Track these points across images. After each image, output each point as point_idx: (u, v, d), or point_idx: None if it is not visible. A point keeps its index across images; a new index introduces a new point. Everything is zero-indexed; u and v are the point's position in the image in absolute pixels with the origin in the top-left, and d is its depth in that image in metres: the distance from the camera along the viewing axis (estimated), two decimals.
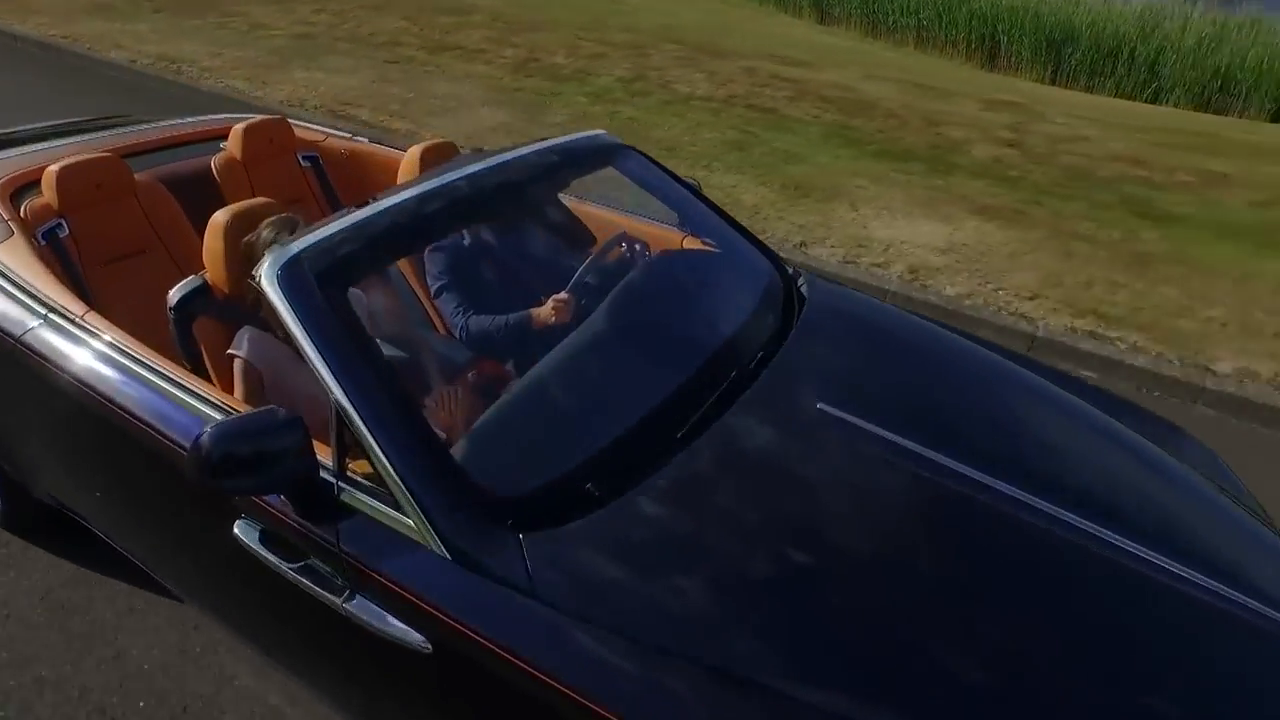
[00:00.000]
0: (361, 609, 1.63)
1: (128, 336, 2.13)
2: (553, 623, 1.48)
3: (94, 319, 2.18)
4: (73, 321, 2.17)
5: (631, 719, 1.39)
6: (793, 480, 1.85)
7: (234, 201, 2.99)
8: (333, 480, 1.68)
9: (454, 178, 2.16)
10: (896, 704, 1.44)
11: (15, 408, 2.46)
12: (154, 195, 2.85)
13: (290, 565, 1.74)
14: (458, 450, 1.73)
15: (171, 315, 2.20)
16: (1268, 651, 1.72)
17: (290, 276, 1.73)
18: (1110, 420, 2.39)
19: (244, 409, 1.88)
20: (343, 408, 1.61)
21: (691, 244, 2.86)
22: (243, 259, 2.17)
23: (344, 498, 1.68)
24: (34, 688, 2.44)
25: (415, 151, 2.93)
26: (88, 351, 2.11)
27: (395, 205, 2.00)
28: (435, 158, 2.89)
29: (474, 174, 2.20)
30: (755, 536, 1.69)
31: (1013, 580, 1.72)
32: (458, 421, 2.15)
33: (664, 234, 2.93)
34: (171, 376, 2.00)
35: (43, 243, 2.53)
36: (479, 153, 2.66)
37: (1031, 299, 5.12)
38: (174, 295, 2.20)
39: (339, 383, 1.62)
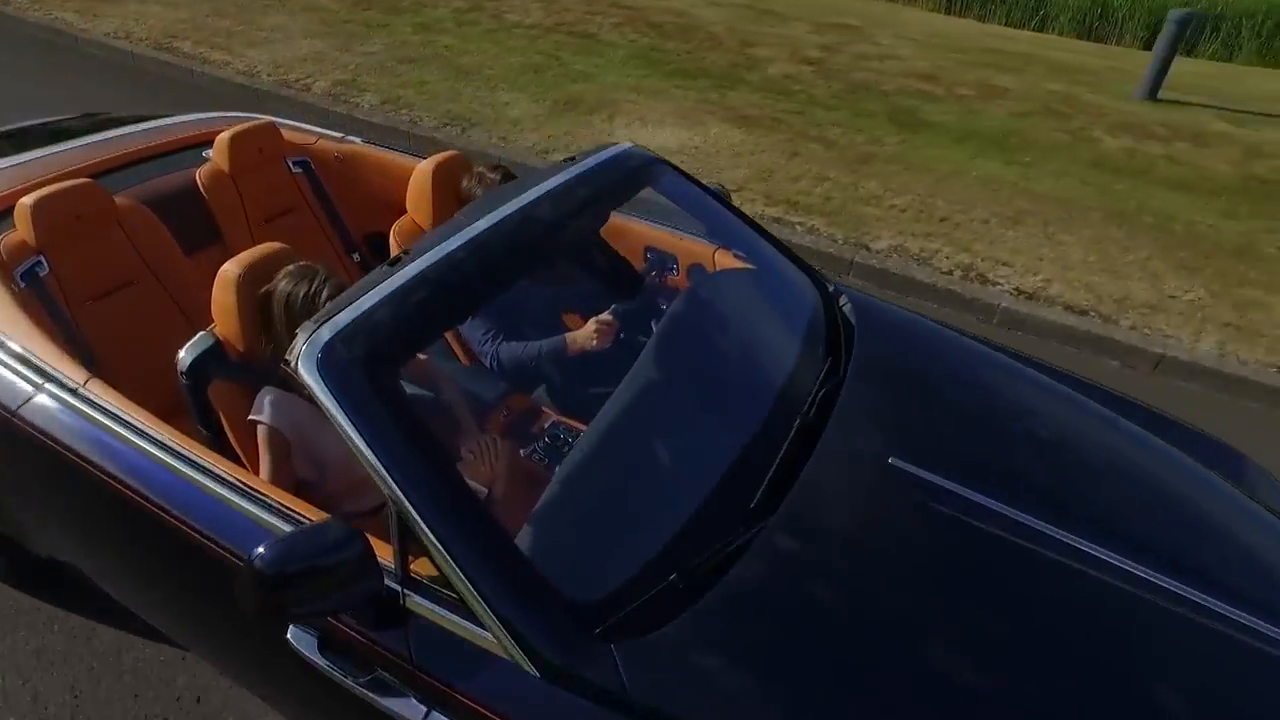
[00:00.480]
0: None
1: (135, 408, 1.93)
2: None
3: (96, 387, 1.98)
4: (74, 392, 1.97)
5: None
6: (878, 551, 1.75)
7: (223, 218, 2.94)
8: (397, 587, 1.55)
9: (492, 223, 1.92)
10: None
11: (13, 476, 2.24)
12: (137, 220, 2.63)
13: (358, 679, 1.58)
14: (525, 543, 1.60)
15: (184, 380, 1.99)
16: None
17: (332, 364, 1.53)
18: (1175, 453, 2.30)
19: (273, 492, 1.77)
20: (406, 512, 1.46)
21: (723, 258, 2.79)
22: (258, 312, 2.02)
23: (410, 604, 1.55)
24: None
25: (427, 168, 2.68)
26: (94, 428, 1.91)
27: (435, 265, 1.77)
28: (447, 173, 2.72)
29: (515, 216, 1.96)
30: (855, 620, 1.60)
31: (1121, 650, 1.66)
32: (498, 473, 2.09)
33: (693, 247, 2.87)
34: (190, 457, 1.83)
35: (22, 285, 2.32)
36: (498, 172, 2.65)
37: (736, 190, 5.56)
38: (184, 358, 1.98)
39: (399, 485, 1.46)
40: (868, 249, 5.04)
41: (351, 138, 3.46)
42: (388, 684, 1.57)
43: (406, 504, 1.46)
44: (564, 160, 2.28)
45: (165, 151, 3.10)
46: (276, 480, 1.98)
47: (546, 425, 2.54)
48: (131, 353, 2.41)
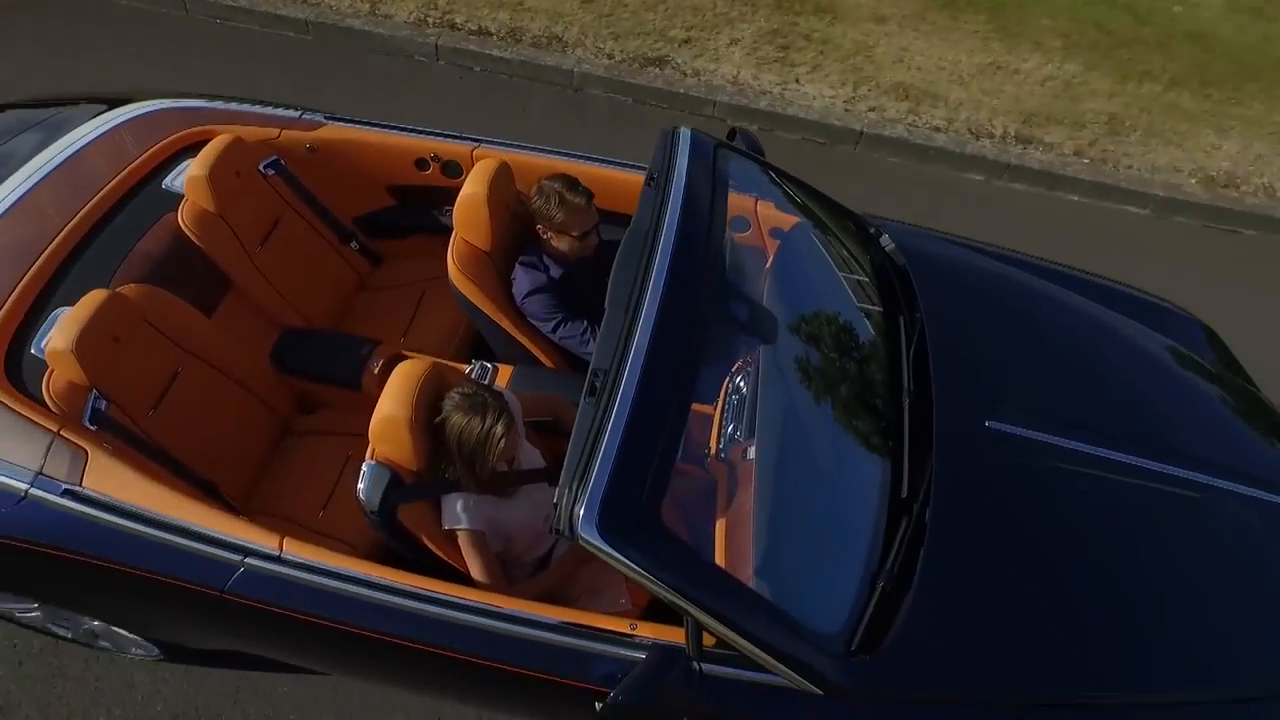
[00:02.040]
0: None
1: (335, 555, 2.05)
2: (927, 708, 1.91)
3: (293, 547, 2.03)
4: (276, 556, 2.02)
5: None
6: (1012, 507, 2.17)
7: (224, 260, 2.64)
8: (695, 664, 1.86)
9: (659, 303, 1.92)
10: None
11: (220, 630, 2.26)
12: (156, 307, 2.38)
13: None
14: (770, 592, 1.86)
15: (375, 519, 2.07)
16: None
17: (613, 528, 1.67)
18: (1149, 334, 2.79)
19: (504, 602, 1.99)
20: (706, 623, 1.75)
21: (765, 209, 2.78)
22: (431, 438, 2.09)
23: (705, 671, 1.87)
24: None
25: (480, 191, 2.51)
26: (307, 588, 2.00)
27: (644, 380, 1.79)
28: (499, 189, 2.58)
29: (673, 284, 1.96)
30: (1016, 575, 2.06)
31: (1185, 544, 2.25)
32: None
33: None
34: (407, 589, 2.00)
35: (92, 428, 2.14)
36: (581, 195, 2.51)
37: None
38: (370, 499, 2.03)
39: (699, 609, 1.73)
40: None
41: (311, 113, 3.03)
42: None
43: (708, 619, 1.74)
44: (648, 182, 2.25)
45: (123, 198, 2.64)
46: (489, 571, 2.16)
47: None
48: (208, 443, 2.43)
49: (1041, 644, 2.03)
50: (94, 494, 2.00)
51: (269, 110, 3.01)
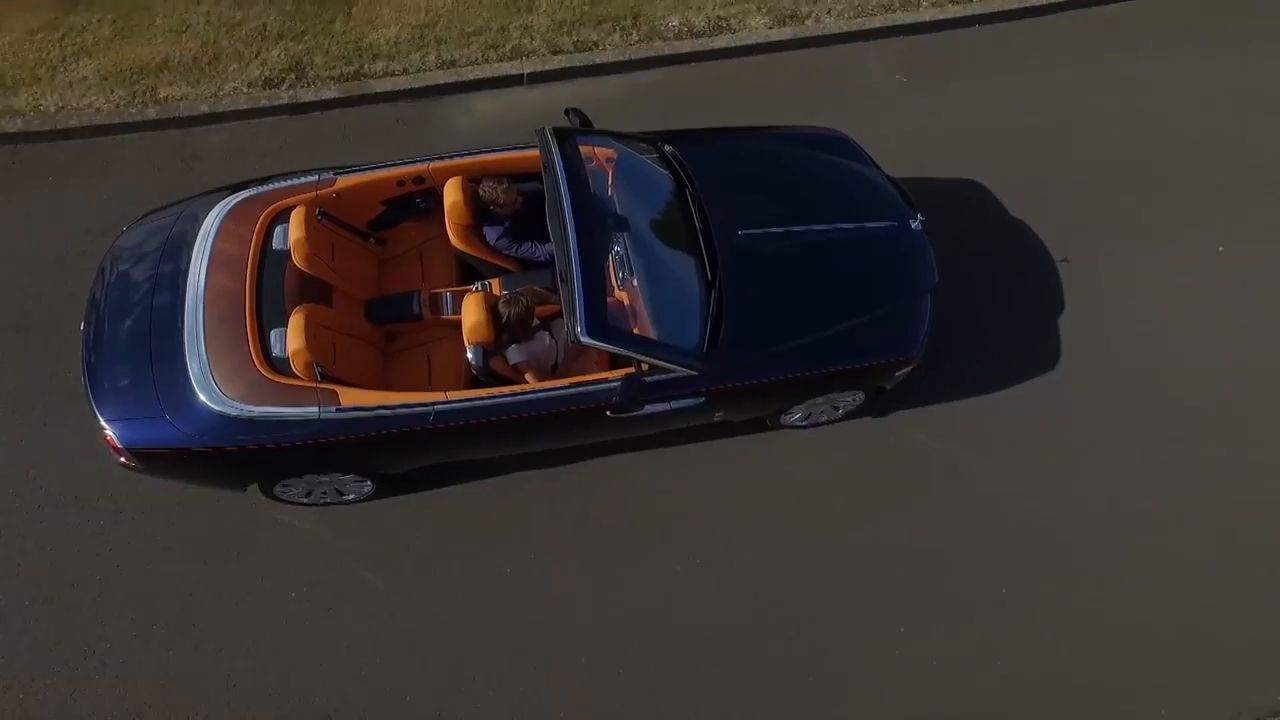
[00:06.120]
0: (679, 405, 4.47)
1: (471, 390, 4.27)
2: (742, 367, 4.43)
3: (453, 394, 4.22)
4: (446, 401, 4.18)
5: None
6: (757, 274, 4.58)
7: (322, 274, 4.49)
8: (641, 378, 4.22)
9: (575, 221, 4.21)
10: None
11: (422, 448, 4.50)
12: (317, 314, 4.27)
13: (640, 409, 4.38)
14: (667, 339, 4.24)
15: (481, 371, 4.26)
16: (883, 250, 4.86)
17: (595, 330, 4.03)
18: (803, 151, 5.16)
19: (561, 381, 4.33)
20: (653, 363, 4.19)
21: (600, 151, 4.75)
22: (500, 327, 4.24)
23: (647, 381, 4.24)
24: None
25: (457, 197, 4.55)
26: (465, 409, 4.21)
27: (582, 260, 4.11)
28: (470, 189, 4.63)
29: (580, 207, 4.26)
30: (765, 300, 4.54)
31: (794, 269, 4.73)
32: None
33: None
34: (509, 393, 4.25)
35: (321, 379, 4.12)
36: (503, 182, 4.61)
37: None
38: (478, 362, 4.22)
39: (636, 353, 4.15)
40: None
41: (324, 173, 4.74)
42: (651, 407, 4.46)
43: (642, 356, 4.17)
44: (544, 169, 4.41)
45: (259, 262, 4.41)
46: (539, 376, 4.41)
47: None
48: (359, 371, 4.41)
49: (787, 324, 4.53)
50: (351, 406, 4.14)
51: (301, 180, 4.70)
